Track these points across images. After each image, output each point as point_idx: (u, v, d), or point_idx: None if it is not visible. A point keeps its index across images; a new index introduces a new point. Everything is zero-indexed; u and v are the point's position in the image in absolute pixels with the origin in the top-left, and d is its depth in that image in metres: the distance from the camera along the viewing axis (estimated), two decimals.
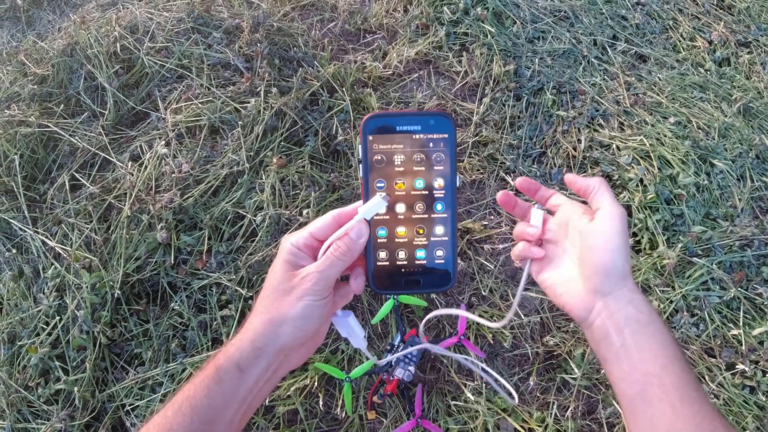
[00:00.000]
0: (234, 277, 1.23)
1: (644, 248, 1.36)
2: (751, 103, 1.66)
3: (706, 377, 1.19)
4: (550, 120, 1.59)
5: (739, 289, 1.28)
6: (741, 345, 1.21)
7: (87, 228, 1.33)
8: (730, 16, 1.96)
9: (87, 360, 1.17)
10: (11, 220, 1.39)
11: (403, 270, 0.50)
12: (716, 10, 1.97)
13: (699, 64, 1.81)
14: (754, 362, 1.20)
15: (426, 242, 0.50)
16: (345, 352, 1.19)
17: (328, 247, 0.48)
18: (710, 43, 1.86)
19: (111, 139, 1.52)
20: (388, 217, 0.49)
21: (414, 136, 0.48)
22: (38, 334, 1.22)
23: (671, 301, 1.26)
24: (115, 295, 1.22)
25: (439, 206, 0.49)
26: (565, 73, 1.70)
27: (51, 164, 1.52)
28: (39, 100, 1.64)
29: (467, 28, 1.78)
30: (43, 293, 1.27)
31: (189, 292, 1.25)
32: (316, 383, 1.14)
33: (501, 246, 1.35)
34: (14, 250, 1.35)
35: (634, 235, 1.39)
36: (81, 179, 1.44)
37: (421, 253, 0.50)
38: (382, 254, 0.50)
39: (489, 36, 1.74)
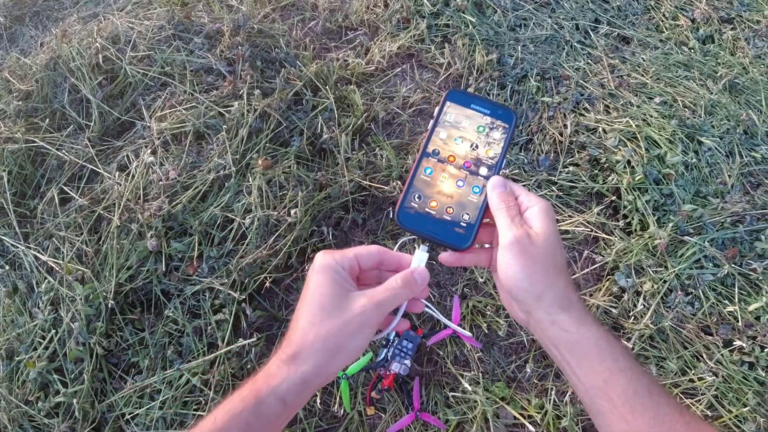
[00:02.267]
0: (226, 281, 1.23)
1: (635, 229, 1.36)
2: (737, 79, 1.66)
3: (704, 355, 1.19)
4: (535, 107, 1.59)
5: (733, 265, 1.28)
6: (737, 321, 1.21)
7: (78, 240, 1.33)
8: None
9: (85, 371, 1.18)
10: (3, 237, 1.39)
11: (429, 216, 0.53)
12: None
13: (682, 42, 1.80)
14: (751, 338, 1.20)
15: (460, 200, 0.54)
16: None
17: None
18: (693, 21, 1.86)
19: (98, 151, 1.52)
20: (438, 164, 0.55)
21: (482, 116, 0.56)
22: (35, 349, 1.22)
23: (665, 281, 1.26)
24: (109, 306, 1.22)
25: (483, 174, 0.54)
26: (548, 59, 1.70)
27: (39, 179, 1.53)
28: (24, 116, 1.64)
29: (448, 20, 1.77)
30: (38, 307, 1.27)
31: (182, 299, 1.25)
32: None
33: None
34: (7, 267, 1.35)
35: (625, 217, 1.39)
36: (70, 192, 1.44)
37: (450, 209, 0.53)
38: (417, 195, 0.54)
39: (470, 26, 1.74)
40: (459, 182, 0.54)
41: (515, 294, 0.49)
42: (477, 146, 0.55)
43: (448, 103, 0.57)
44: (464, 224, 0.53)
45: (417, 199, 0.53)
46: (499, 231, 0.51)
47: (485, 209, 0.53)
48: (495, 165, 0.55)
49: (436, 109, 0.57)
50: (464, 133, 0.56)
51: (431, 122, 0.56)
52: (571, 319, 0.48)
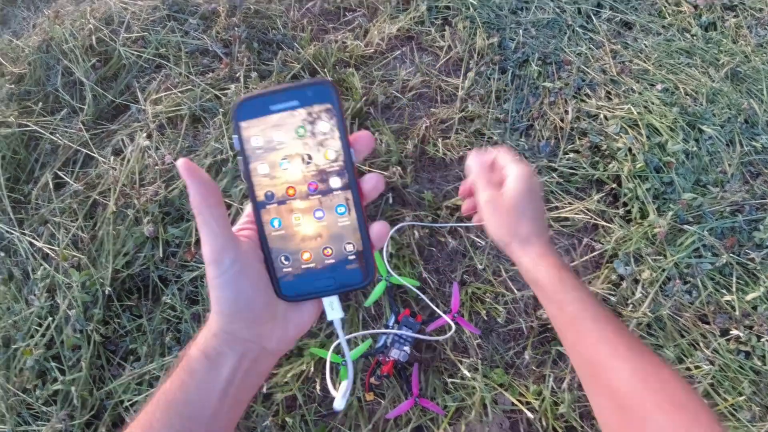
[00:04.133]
0: None
1: (635, 217, 1.35)
2: (739, 68, 1.65)
3: (701, 344, 1.19)
4: (536, 92, 1.57)
5: (731, 254, 1.28)
6: (734, 311, 1.22)
7: (73, 226, 1.32)
8: None
9: (82, 359, 1.17)
10: None
11: (311, 272, 0.43)
12: None
13: (685, 29, 1.78)
14: (748, 327, 1.20)
15: (332, 233, 0.43)
16: None
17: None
18: (696, 7, 1.83)
19: (92, 135, 1.49)
20: (279, 207, 0.43)
21: (291, 113, 0.41)
22: (32, 336, 1.21)
23: (663, 270, 1.26)
24: (106, 292, 1.21)
25: (337, 188, 0.42)
26: (550, 43, 1.68)
27: (33, 164, 1.50)
28: (17, 100, 1.61)
29: (449, 2, 1.74)
30: (34, 295, 1.26)
31: (180, 285, 1.24)
32: (312, 368, 1.14)
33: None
34: (2, 254, 1.33)
35: (625, 204, 1.38)
36: (64, 177, 1.42)
37: (328, 250, 0.43)
38: (284, 257, 0.43)
39: (471, 9, 1.71)
40: (317, 213, 0.43)
41: (495, 243, 0.64)
42: (310, 156, 0.42)
43: (242, 124, 0.41)
44: (353, 256, 0.43)
45: (285, 262, 0.43)
46: (477, 195, 0.63)
47: (365, 224, 0.43)
48: (344, 165, 0.42)
49: (234, 140, 0.42)
50: (285, 150, 0.42)
51: (239, 160, 0.43)
52: (528, 258, 0.60)
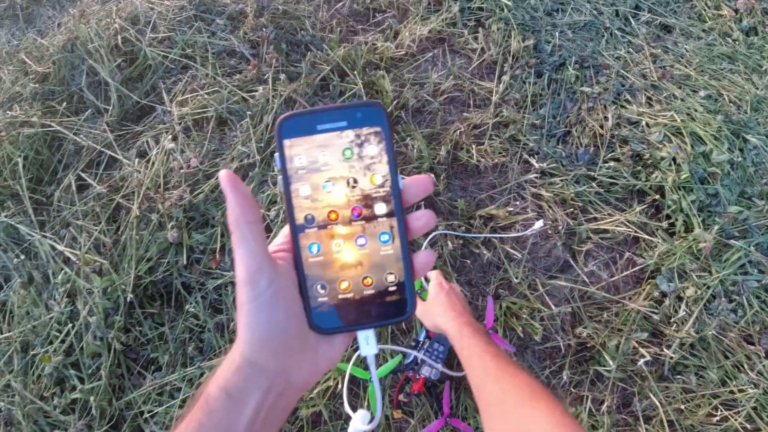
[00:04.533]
0: None
1: (679, 231, 1.29)
2: None
3: (745, 365, 1.14)
4: (574, 97, 1.51)
5: None
6: None
7: (96, 230, 1.29)
8: None
9: (102, 367, 1.14)
10: (18, 225, 1.34)
11: (348, 302, 0.41)
12: None
13: (726, 33, 1.71)
14: None
15: (373, 261, 0.41)
16: None
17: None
18: (736, 11, 1.76)
19: (116, 136, 1.47)
20: (320, 232, 0.41)
21: (339, 134, 0.39)
22: (51, 342, 1.18)
23: (708, 287, 1.20)
24: (128, 299, 1.18)
25: (383, 215, 0.41)
26: (587, 46, 1.61)
27: (56, 165, 1.48)
28: (41, 99, 1.59)
29: (482, 3, 1.69)
30: (54, 299, 1.23)
31: (204, 293, 1.20)
32: (339, 384, 1.10)
33: (528, 232, 1.28)
34: (23, 256, 1.31)
35: (668, 217, 1.32)
36: (87, 179, 1.40)
37: (368, 280, 0.41)
38: (320, 285, 0.41)
39: (505, 10, 1.66)
40: (359, 240, 0.40)
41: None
42: (356, 180, 0.40)
43: (288, 142, 0.39)
44: (394, 287, 0.41)
45: (321, 290, 0.40)
46: None
47: (408, 254, 0.41)
48: (390, 191, 0.40)
49: (276, 158, 0.40)
50: (331, 172, 0.40)
51: (279, 180, 0.41)
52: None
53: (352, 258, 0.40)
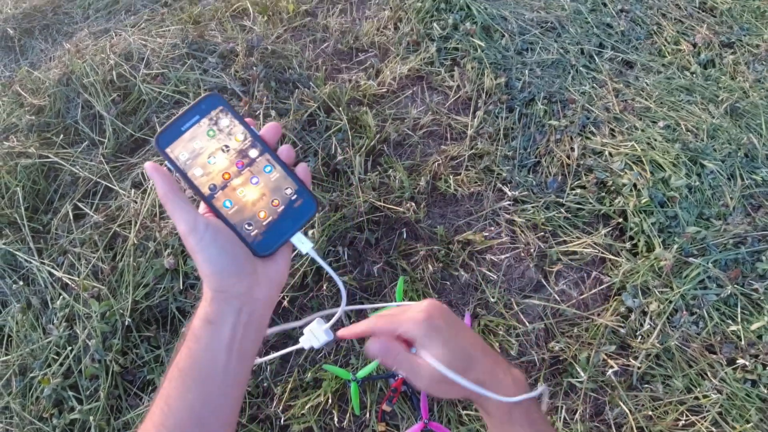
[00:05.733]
0: None
1: (641, 251, 1.38)
2: (737, 103, 1.70)
3: (709, 373, 1.21)
4: (542, 129, 1.63)
5: (736, 285, 1.31)
6: (740, 340, 1.24)
7: (93, 257, 1.35)
8: (713, 17, 2.01)
9: (100, 388, 1.18)
10: (16, 252, 1.40)
11: (272, 224, 0.52)
12: (699, 12, 2.02)
13: (684, 67, 1.85)
14: (754, 356, 1.22)
15: (270, 188, 0.52)
16: (357, 363, 1.21)
17: None
18: (694, 45, 1.90)
19: (112, 167, 1.54)
20: (224, 191, 0.51)
21: (198, 125, 0.51)
22: (50, 365, 1.23)
23: (670, 302, 1.29)
24: (126, 323, 1.23)
25: (257, 156, 0.52)
26: (554, 82, 1.74)
27: (53, 194, 1.54)
28: (37, 131, 1.65)
29: (457, 43, 1.81)
30: (53, 324, 1.28)
31: None
32: (329, 400, 1.16)
33: (503, 255, 1.37)
34: (21, 282, 1.35)
35: (631, 238, 1.42)
36: (84, 208, 1.46)
37: (276, 201, 0.52)
38: (246, 224, 0.51)
39: (479, 50, 1.78)
40: (253, 180, 0.52)
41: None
42: (227, 146, 0.52)
43: (168, 150, 0.51)
44: (295, 195, 0.53)
45: (249, 227, 0.51)
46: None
47: (290, 169, 0.52)
48: (253, 139, 0.52)
49: (167, 164, 0.51)
50: (207, 150, 0.51)
51: (177, 176, 0.51)
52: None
53: (256, 194, 0.52)
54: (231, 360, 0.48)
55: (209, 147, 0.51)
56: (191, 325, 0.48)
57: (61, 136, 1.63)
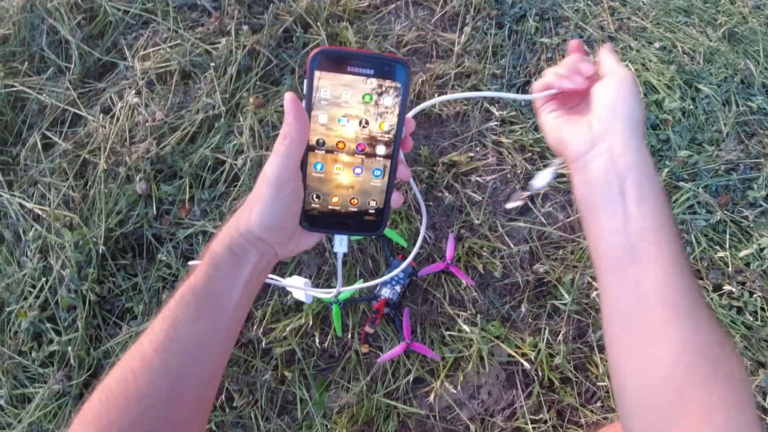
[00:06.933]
0: (219, 223, 1.21)
1: None
2: (736, 28, 1.63)
3: None
4: (533, 48, 1.55)
5: (725, 212, 1.29)
6: (728, 267, 1.23)
7: (64, 186, 1.30)
8: None
9: (78, 319, 1.16)
10: None
11: (334, 213, 0.51)
12: None
13: None
14: (740, 283, 1.22)
15: (362, 188, 0.50)
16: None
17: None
18: None
19: (80, 94, 1.46)
20: (327, 155, 0.48)
21: (364, 80, 0.45)
22: (26, 298, 1.20)
23: None
24: (100, 252, 1.20)
25: (381, 155, 0.48)
26: None
27: (20, 125, 1.47)
28: (2, 61, 1.56)
29: None
30: (27, 256, 1.24)
31: (175, 243, 1.23)
32: (311, 323, 1.15)
33: (488, 177, 1.33)
34: None
35: None
36: (53, 137, 1.39)
37: (355, 200, 0.50)
38: (315, 195, 0.49)
39: None
40: (356, 170, 0.48)
41: (624, 114, 0.47)
42: (367, 122, 0.46)
43: (318, 74, 0.44)
44: (373, 211, 0.51)
45: (316, 199, 0.49)
46: (608, 70, 0.51)
47: (392, 189, 0.50)
48: (393, 139, 0.47)
49: (305, 84, 0.46)
50: (348, 110, 0.46)
51: (303, 104, 0.46)
52: (651, 157, 0.48)
53: (347, 181, 0.49)
54: (242, 299, 0.48)
55: (353, 108, 0.46)
56: (211, 249, 0.48)
57: (27, 64, 1.54)
